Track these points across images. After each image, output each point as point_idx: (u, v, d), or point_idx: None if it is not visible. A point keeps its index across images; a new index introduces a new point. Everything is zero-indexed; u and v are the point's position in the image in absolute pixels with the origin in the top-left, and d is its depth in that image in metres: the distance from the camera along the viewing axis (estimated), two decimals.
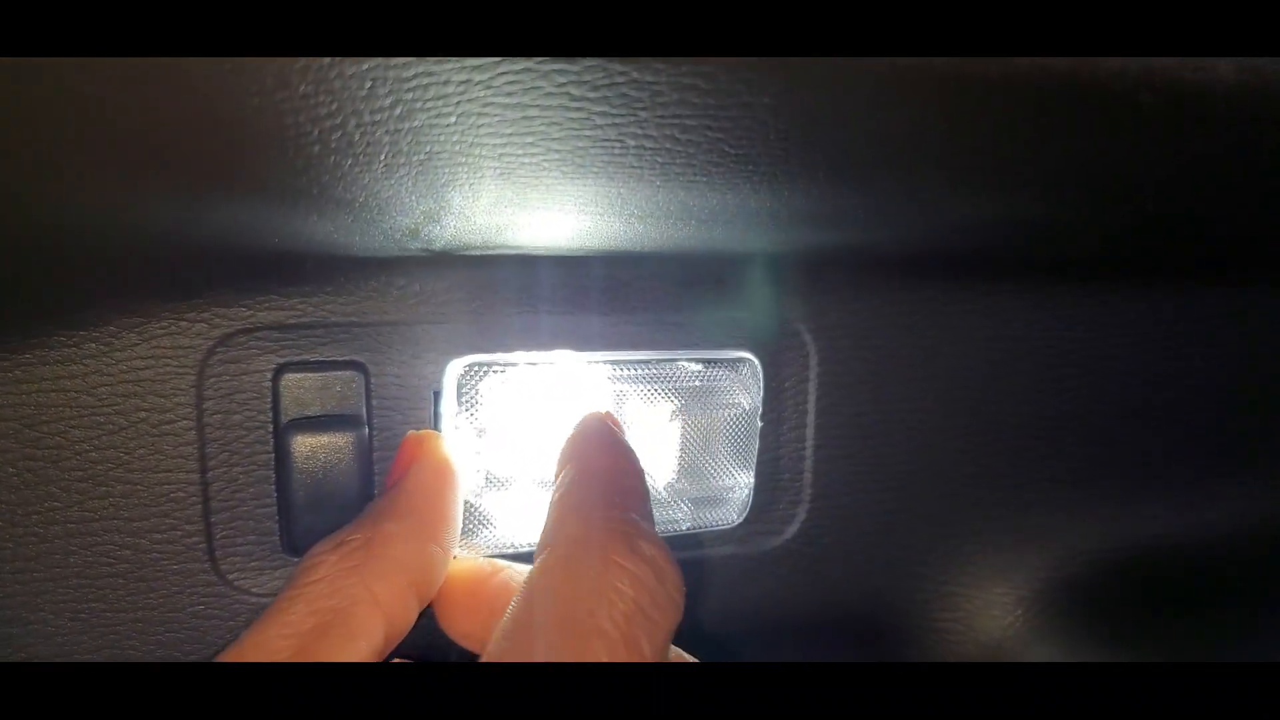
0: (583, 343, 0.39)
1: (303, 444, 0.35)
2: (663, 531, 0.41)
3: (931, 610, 0.46)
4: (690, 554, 0.42)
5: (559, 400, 0.37)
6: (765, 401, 0.42)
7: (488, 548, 0.37)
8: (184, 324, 0.34)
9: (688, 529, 0.41)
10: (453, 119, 0.22)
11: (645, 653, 0.25)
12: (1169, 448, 0.48)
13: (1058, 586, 0.47)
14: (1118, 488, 0.48)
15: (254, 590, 0.37)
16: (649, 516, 0.29)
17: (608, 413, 0.34)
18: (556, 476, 0.31)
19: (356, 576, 0.29)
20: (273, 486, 0.36)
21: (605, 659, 0.24)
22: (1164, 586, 0.49)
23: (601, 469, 0.30)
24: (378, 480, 0.37)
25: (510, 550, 0.39)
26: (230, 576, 0.36)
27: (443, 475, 0.33)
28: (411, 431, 0.35)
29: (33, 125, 0.21)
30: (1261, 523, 0.50)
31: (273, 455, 0.36)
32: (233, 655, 0.28)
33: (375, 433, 0.37)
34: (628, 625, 0.25)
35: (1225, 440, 0.49)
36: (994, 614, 0.46)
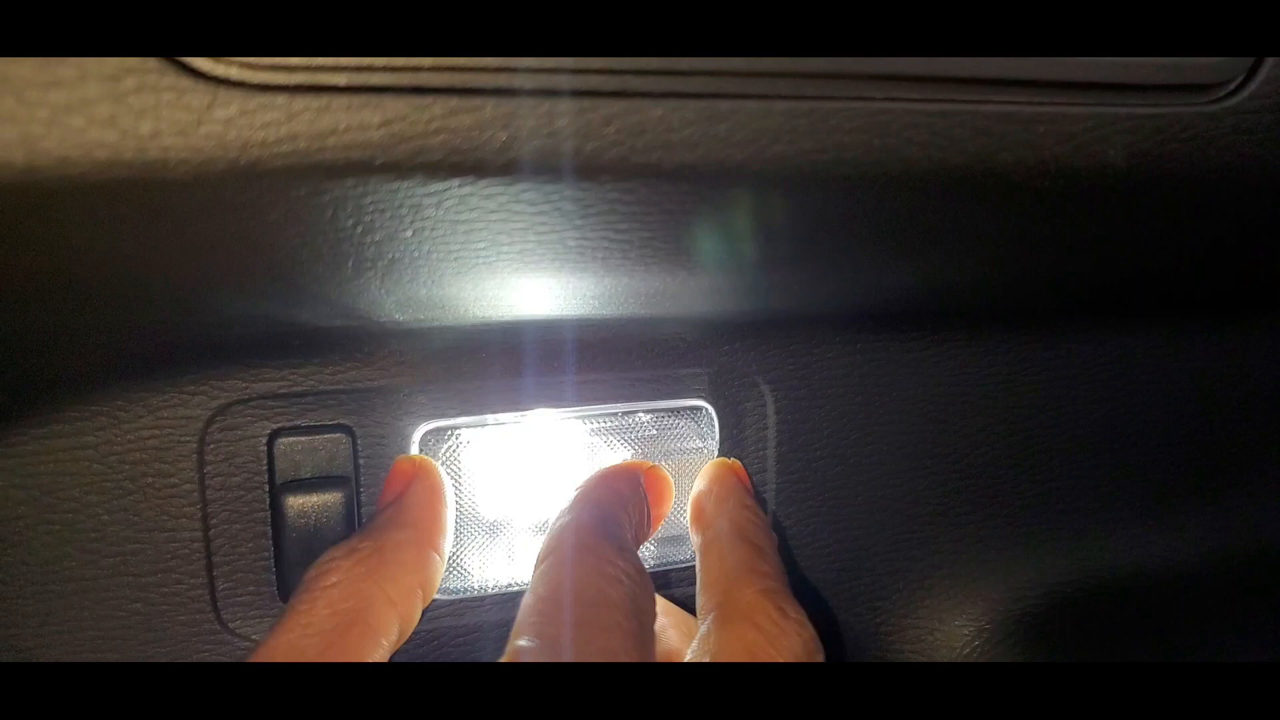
0: (556, 400, 0.42)
1: (295, 503, 0.38)
2: None
3: (893, 644, 0.48)
4: (657, 594, 0.45)
5: (526, 456, 0.42)
6: (729, 450, 0.45)
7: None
8: (185, 396, 0.37)
9: (652, 566, 0.44)
10: (409, 233, 0.26)
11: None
12: (1119, 481, 0.51)
13: (1015, 618, 0.49)
14: (1070, 521, 0.50)
15: (254, 637, 0.40)
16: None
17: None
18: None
19: (371, 580, 0.32)
20: (269, 541, 0.39)
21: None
22: (1116, 616, 0.52)
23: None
24: None
25: (482, 592, 0.42)
26: (232, 625, 0.40)
27: (439, 492, 0.37)
28: (402, 456, 0.39)
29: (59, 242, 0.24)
30: (1213, 553, 0.53)
31: (269, 513, 0.39)
32: (264, 655, 0.30)
33: (361, 489, 0.40)
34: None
35: (1174, 473, 0.52)
36: (955, 646, 0.49)
